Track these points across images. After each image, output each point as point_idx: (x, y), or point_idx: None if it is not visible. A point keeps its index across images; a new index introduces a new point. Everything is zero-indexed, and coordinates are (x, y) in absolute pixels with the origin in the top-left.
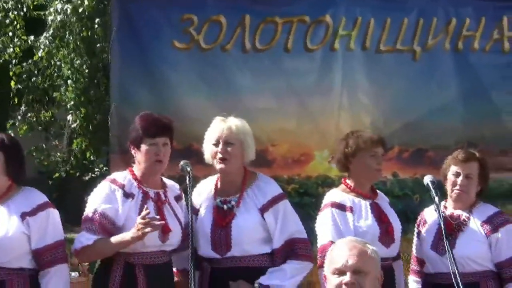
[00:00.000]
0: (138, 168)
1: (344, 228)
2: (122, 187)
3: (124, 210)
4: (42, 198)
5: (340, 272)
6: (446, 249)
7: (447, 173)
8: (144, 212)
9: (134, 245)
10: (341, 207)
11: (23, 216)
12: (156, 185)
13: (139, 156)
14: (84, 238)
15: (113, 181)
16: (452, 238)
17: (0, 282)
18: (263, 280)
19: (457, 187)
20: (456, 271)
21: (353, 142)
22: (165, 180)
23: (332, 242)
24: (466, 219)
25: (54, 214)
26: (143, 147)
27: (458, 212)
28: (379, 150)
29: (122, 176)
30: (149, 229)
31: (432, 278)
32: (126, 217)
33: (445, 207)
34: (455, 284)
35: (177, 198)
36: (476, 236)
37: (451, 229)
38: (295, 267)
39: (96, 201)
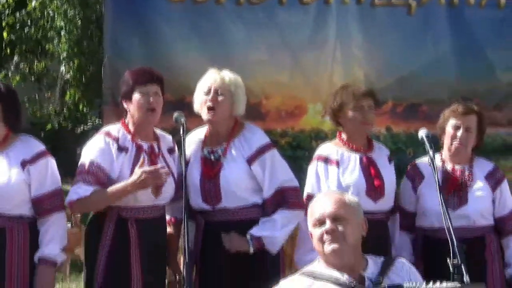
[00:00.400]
0: (131, 121)
1: (325, 181)
2: (117, 140)
3: (118, 164)
4: (41, 146)
5: (320, 222)
6: (441, 205)
7: (446, 126)
8: (139, 163)
9: (126, 199)
10: (326, 160)
11: (24, 164)
12: (149, 137)
13: (132, 107)
14: (81, 190)
15: (108, 134)
16: (463, 194)
17: (1, 229)
18: (254, 231)
19: (457, 140)
20: (451, 227)
21: (339, 96)
22: (158, 132)
23: (309, 195)
24: (470, 174)
25: (52, 163)
26: (135, 97)
27: (459, 167)
28: (365, 103)
29: (116, 129)
30: (164, 178)
31: (436, 232)
32: (121, 171)
33: (443, 161)
34: (449, 238)
35: (170, 151)
36: (483, 191)
37: (458, 184)
38: (286, 216)
39: (92, 153)
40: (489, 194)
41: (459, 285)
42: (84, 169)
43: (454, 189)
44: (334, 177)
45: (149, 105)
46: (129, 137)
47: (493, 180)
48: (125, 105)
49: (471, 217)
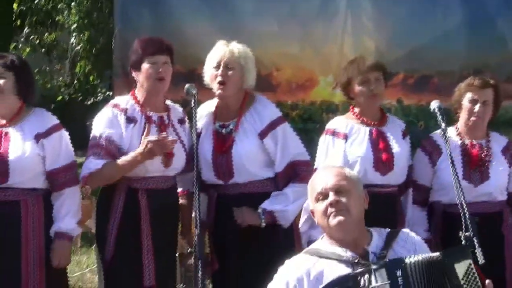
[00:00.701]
0: (140, 92)
1: (332, 155)
2: (125, 111)
3: (128, 135)
4: (54, 119)
5: (323, 195)
6: (453, 177)
7: (462, 100)
8: (145, 132)
9: (137, 170)
10: (334, 133)
11: (37, 137)
12: (159, 108)
13: (141, 77)
14: (93, 164)
15: (116, 106)
16: (485, 169)
17: (15, 202)
18: (266, 205)
19: (475, 114)
20: (464, 201)
21: (347, 71)
22: (168, 103)
23: (316, 169)
24: (488, 148)
25: (66, 136)
26: (144, 67)
27: (476, 142)
28: (372, 75)
29: (124, 100)
30: (170, 146)
31: (454, 208)
32: (131, 142)
33: (460, 135)
34: (461, 211)
35: (180, 121)
36: (502, 165)
37: (480, 159)
38: (297, 190)
39: (101, 126)
40: (506, 169)
41: (439, 254)
42: (94, 143)
43: (476, 165)
44: (340, 151)
45: (158, 74)
46: (138, 108)
47: (509, 154)
48: (134, 74)
49: (493, 193)
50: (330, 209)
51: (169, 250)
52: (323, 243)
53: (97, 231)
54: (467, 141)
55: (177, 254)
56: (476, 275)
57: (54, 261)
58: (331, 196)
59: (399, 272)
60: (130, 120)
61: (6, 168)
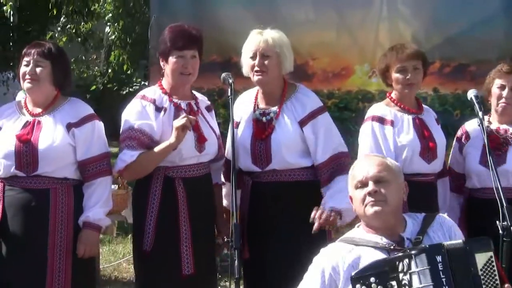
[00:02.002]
0: (167, 81)
1: (382, 141)
2: (153, 101)
3: (159, 124)
4: (88, 109)
5: (363, 184)
6: (489, 165)
7: (491, 87)
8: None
9: (172, 158)
10: (381, 120)
11: (69, 126)
12: (186, 96)
13: (167, 68)
14: (127, 156)
15: (143, 97)
16: (502, 153)
17: (44, 190)
18: (335, 204)
19: (503, 99)
20: (500, 188)
21: (386, 56)
22: (194, 92)
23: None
24: None
25: (99, 126)
26: (171, 60)
27: (504, 126)
28: (409, 63)
29: (152, 91)
30: (185, 122)
31: (477, 192)
32: (162, 131)
33: (489, 122)
34: (498, 200)
35: (208, 109)
36: None
37: (499, 143)
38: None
39: (131, 118)
40: None
41: (461, 242)
42: (126, 136)
43: (493, 148)
44: (391, 137)
45: (185, 69)
46: (166, 97)
47: None
48: (162, 63)
49: (510, 176)
50: (368, 198)
51: (207, 238)
52: (358, 231)
53: (134, 221)
54: (495, 126)
55: None
56: (495, 268)
57: (80, 251)
58: (370, 186)
59: (439, 258)
60: (159, 109)
61: (36, 156)
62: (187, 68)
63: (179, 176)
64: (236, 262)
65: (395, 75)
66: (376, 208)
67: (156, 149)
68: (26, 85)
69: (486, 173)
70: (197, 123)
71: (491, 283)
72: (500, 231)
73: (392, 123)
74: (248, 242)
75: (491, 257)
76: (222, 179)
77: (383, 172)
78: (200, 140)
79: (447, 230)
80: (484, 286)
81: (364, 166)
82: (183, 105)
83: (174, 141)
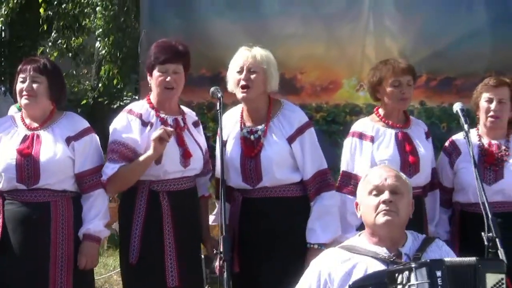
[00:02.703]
0: (153, 96)
1: (359, 157)
2: (140, 116)
3: (143, 139)
4: (85, 123)
5: (379, 190)
6: (476, 179)
7: (479, 101)
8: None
9: (156, 172)
10: (361, 136)
11: (68, 140)
12: (173, 111)
13: (152, 83)
14: (109, 169)
15: (130, 112)
16: (499, 169)
17: (45, 203)
18: (321, 239)
19: (491, 113)
20: (486, 202)
21: (379, 71)
22: (182, 107)
23: (344, 172)
24: (507, 148)
25: (96, 139)
26: (155, 74)
27: (494, 141)
28: (404, 79)
29: (139, 105)
30: (161, 133)
31: (471, 207)
32: (147, 146)
33: (480, 136)
34: (483, 212)
35: (195, 124)
36: None
37: (494, 159)
38: (334, 200)
39: (116, 132)
40: None
41: (474, 259)
42: (110, 149)
43: (490, 164)
44: (368, 153)
45: (166, 83)
46: (152, 112)
47: None
48: (148, 78)
49: (507, 191)
50: (382, 206)
51: (193, 251)
52: (360, 240)
53: (120, 234)
54: (486, 142)
55: (203, 256)
56: None
57: (81, 262)
58: (386, 194)
59: (439, 273)
60: (145, 124)
61: (37, 169)
62: (170, 83)
63: (163, 190)
64: (225, 274)
65: (389, 89)
66: (388, 217)
67: (137, 161)
68: (23, 101)
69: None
70: (183, 138)
71: None
72: (486, 242)
73: (372, 139)
74: (238, 256)
75: (502, 279)
76: (213, 197)
77: (399, 184)
78: (186, 156)
79: (444, 254)
80: None
81: (381, 173)
82: (170, 120)
83: (153, 153)
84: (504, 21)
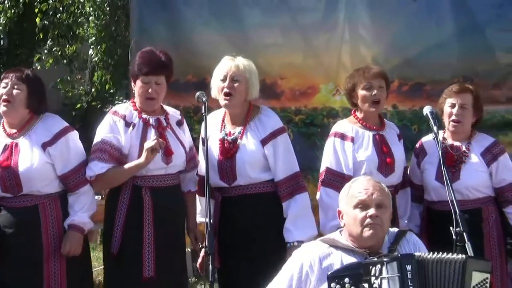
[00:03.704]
0: (137, 99)
1: (342, 156)
2: (124, 117)
3: (127, 139)
4: (60, 124)
5: (365, 205)
6: (445, 178)
7: (443, 107)
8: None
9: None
10: (342, 136)
11: (44, 146)
12: (156, 112)
13: (136, 90)
14: (98, 168)
15: (115, 113)
16: (456, 170)
17: (33, 206)
18: (300, 237)
19: (453, 117)
20: (454, 199)
21: (352, 77)
22: (166, 107)
23: (328, 168)
24: (467, 150)
25: (73, 137)
26: (138, 84)
27: (457, 143)
28: (375, 82)
29: (124, 107)
30: (154, 144)
31: (435, 205)
32: (130, 145)
33: (444, 139)
34: (452, 208)
35: (179, 123)
36: (478, 166)
37: (453, 160)
38: (305, 200)
39: (102, 132)
40: (484, 169)
41: (464, 257)
42: (97, 148)
43: (449, 166)
44: (350, 153)
45: (148, 94)
46: (135, 113)
47: (490, 155)
48: (132, 84)
49: (464, 192)
50: (368, 221)
51: (175, 245)
52: (340, 236)
53: (104, 226)
54: (449, 144)
55: (189, 250)
56: None
57: (65, 249)
58: (373, 210)
59: (409, 267)
60: (128, 124)
61: (18, 179)
62: (151, 93)
63: (146, 185)
64: (210, 266)
65: (361, 93)
66: (373, 231)
67: (126, 166)
68: (2, 108)
69: (441, 188)
70: (165, 137)
71: None
72: (454, 236)
73: (353, 140)
74: (219, 252)
75: (486, 278)
76: (197, 196)
77: (384, 198)
78: (167, 153)
79: (413, 246)
80: None
81: (367, 188)
82: (152, 120)
83: (143, 161)
84: (470, 32)
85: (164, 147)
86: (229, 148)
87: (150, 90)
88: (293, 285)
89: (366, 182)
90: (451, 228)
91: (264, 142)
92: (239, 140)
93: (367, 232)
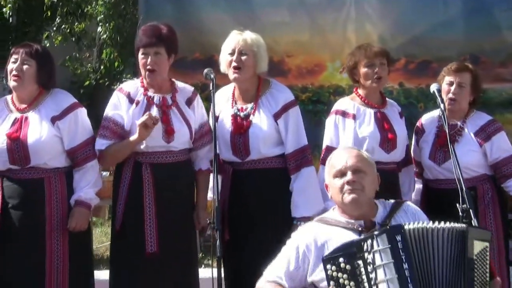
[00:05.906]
0: (142, 75)
1: (343, 133)
2: (128, 94)
3: (129, 116)
4: (69, 100)
5: (342, 173)
6: (451, 153)
7: (442, 84)
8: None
9: (140, 145)
10: (344, 114)
11: (53, 120)
12: (163, 89)
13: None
14: (98, 145)
15: (120, 90)
16: (447, 150)
17: (39, 180)
18: (305, 212)
19: (450, 95)
20: (461, 176)
21: (354, 55)
22: (178, 83)
23: (328, 147)
24: (461, 129)
25: (81, 114)
26: (138, 57)
27: (452, 121)
28: (377, 60)
29: (131, 84)
30: (146, 119)
31: (431, 183)
32: (132, 123)
33: (440, 117)
34: (458, 185)
35: (189, 101)
36: (470, 146)
37: (445, 141)
38: (312, 173)
39: (108, 109)
40: (477, 149)
41: (465, 226)
42: (101, 125)
43: (441, 145)
44: (351, 130)
45: (146, 66)
46: (141, 90)
47: (484, 134)
48: (137, 60)
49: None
50: (346, 187)
51: (181, 222)
52: (333, 213)
53: (112, 202)
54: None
55: None
56: (488, 257)
57: (71, 224)
58: (349, 175)
59: (398, 237)
60: (131, 101)
61: (27, 151)
62: (150, 64)
63: (147, 161)
64: (217, 242)
65: (363, 70)
66: (354, 195)
67: (124, 142)
68: (12, 83)
69: (434, 167)
70: (168, 116)
71: (482, 270)
72: (460, 213)
73: (354, 117)
74: (228, 225)
75: (486, 247)
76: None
77: (361, 163)
78: (168, 132)
79: (411, 216)
80: (476, 271)
81: (342, 157)
82: (156, 98)
83: (137, 137)
84: (477, 10)
85: (157, 122)
86: (242, 124)
87: (148, 61)
88: (291, 267)
89: (343, 151)
90: (457, 205)
91: (276, 116)
92: (251, 116)
93: (347, 198)
